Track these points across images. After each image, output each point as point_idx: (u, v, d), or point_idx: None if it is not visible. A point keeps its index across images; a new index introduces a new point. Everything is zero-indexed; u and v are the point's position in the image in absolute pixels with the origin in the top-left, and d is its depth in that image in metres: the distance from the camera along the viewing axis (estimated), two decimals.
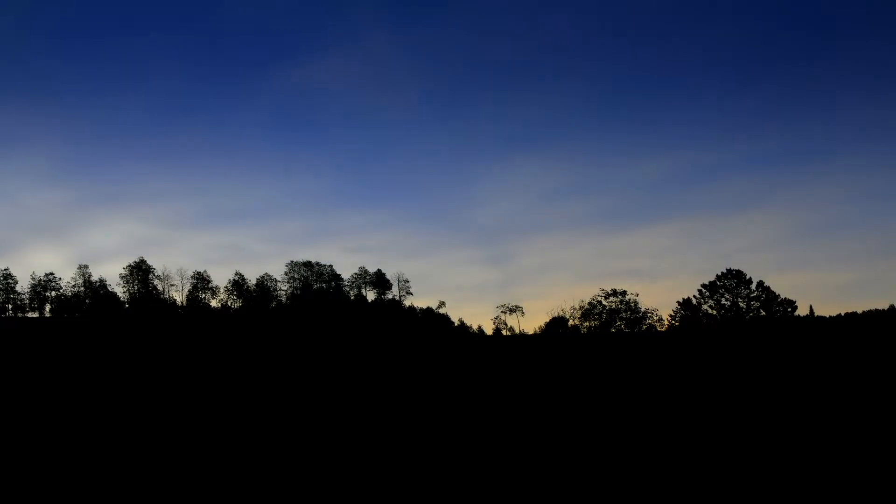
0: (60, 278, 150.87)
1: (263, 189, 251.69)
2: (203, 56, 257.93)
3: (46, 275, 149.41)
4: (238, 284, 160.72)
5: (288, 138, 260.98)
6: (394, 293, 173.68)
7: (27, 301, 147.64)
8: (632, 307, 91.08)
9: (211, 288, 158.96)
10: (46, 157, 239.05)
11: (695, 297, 79.04)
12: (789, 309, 75.83)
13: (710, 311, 77.65)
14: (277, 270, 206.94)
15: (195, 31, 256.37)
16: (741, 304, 76.65)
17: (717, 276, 78.09)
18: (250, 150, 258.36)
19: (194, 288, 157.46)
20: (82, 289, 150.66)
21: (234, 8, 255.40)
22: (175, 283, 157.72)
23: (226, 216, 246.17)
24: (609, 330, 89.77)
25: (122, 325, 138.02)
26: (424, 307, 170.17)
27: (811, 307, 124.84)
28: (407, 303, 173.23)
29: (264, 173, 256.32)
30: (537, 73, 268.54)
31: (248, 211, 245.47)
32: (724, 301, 77.10)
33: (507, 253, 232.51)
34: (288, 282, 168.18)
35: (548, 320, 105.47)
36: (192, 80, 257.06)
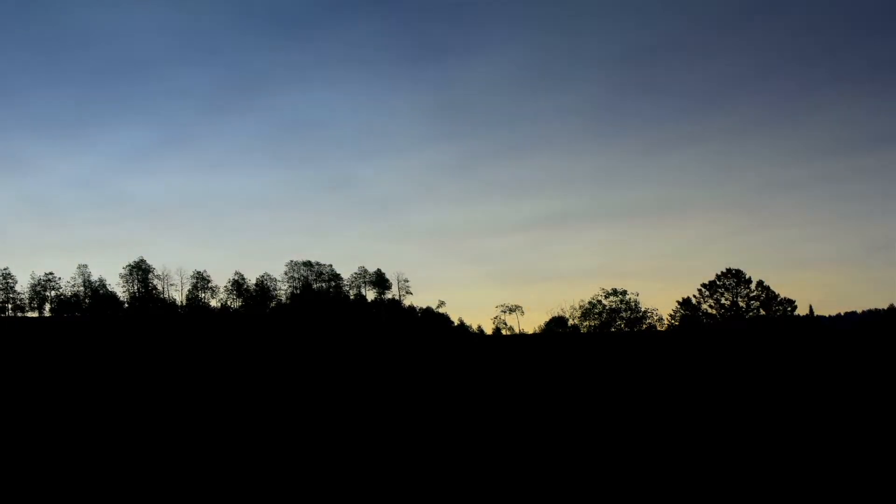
0: (60, 278, 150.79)
1: (264, 188, 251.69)
2: (208, 65, 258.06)
3: (46, 274, 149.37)
4: (238, 284, 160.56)
5: (285, 146, 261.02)
6: (393, 293, 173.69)
7: (27, 301, 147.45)
8: (632, 307, 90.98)
9: (211, 287, 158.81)
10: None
11: (694, 296, 78.98)
12: (789, 308, 75.77)
13: (709, 310, 77.59)
14: (277, 270, 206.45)
15: (201, 42, 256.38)
16: (741, 304, 76.61)
17: (716, 275, 78.02)
18: (252, 149, 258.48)
19: (194, 287, 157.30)
20: (82, 288, 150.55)
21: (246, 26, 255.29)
22: (175, 282, 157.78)
23: (226, 215, 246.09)
24: (609, 329, 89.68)
25: (121, 325, 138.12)
26: (424, 307, 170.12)
27: (811, 307, 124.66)
28: (407, 302, 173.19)
29: (264, 173, 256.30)
30: (540, 75, 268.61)
31: (249, 210, 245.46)
32: (723, 300, 77.04)
33: (507, 252, 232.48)
34: (288, 281, 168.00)
35: (548, 320, 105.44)
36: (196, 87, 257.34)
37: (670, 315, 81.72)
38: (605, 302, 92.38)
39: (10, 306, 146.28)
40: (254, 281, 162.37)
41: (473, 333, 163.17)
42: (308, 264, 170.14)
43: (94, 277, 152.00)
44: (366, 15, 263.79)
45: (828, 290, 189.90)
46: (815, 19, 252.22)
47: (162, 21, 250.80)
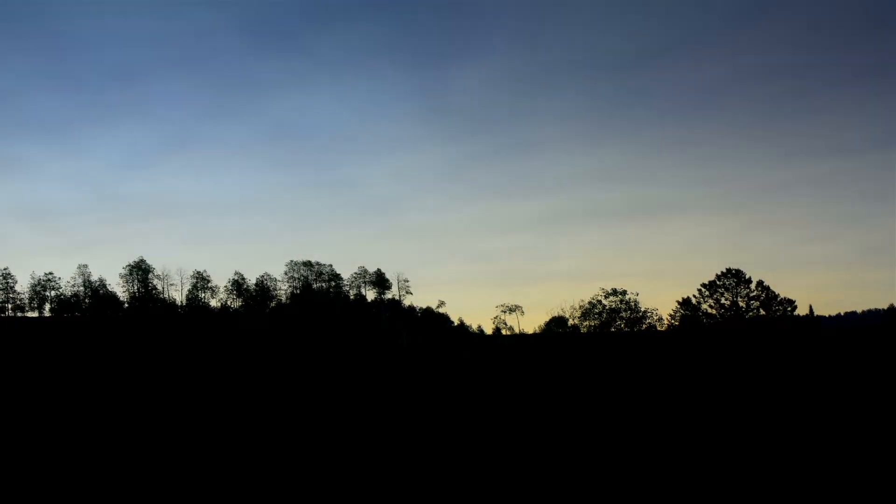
0: (60, 278, 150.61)
1: (264, 188, 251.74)
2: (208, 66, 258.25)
3: (46, 274, 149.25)
4: (238, 284, 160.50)
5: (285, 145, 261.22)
6: (393, 293, 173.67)
7: (27, 301, 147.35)
8: (632, 306, 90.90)
9: (211, 287, 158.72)
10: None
11: (694, 296, 78.95)
12: (789, 308, 75.72)
13: (709, 310, 77.55)
14: (277, 270, 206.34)
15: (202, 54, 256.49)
16: (741, 304, 76.59)
17: (716, 275, 78.00)
18: (253, 151, 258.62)
19: (194, 287, 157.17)
20: (82, 288, 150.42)
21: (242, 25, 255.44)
22: (175, 282, 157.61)
23: (226, 215, 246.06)
24: (609, 329, 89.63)
25: (121, 325, 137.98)
26: (424, 307, 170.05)
27: (811, 306, 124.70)
28: (407, 302, 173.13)
29: (264, 173, 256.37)
30: (543, 78, 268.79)
31: (249, 210, 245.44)
32: (723, 300, 77.01)
33: (507, 252, 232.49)
34: (288, 281, 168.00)
35: (548, 320, 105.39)
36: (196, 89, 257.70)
37: (670, 315, 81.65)
38: (605, 302, 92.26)
39: (9, 306, 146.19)
40: (254, 281, 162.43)
41: (473, 333, 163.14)
42: (308, 264, 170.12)
43: (94, 277, 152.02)
44: (365, 17, 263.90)
45: (828, 290, 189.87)
46: (816, 20, 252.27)
47: (165, 25, 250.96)
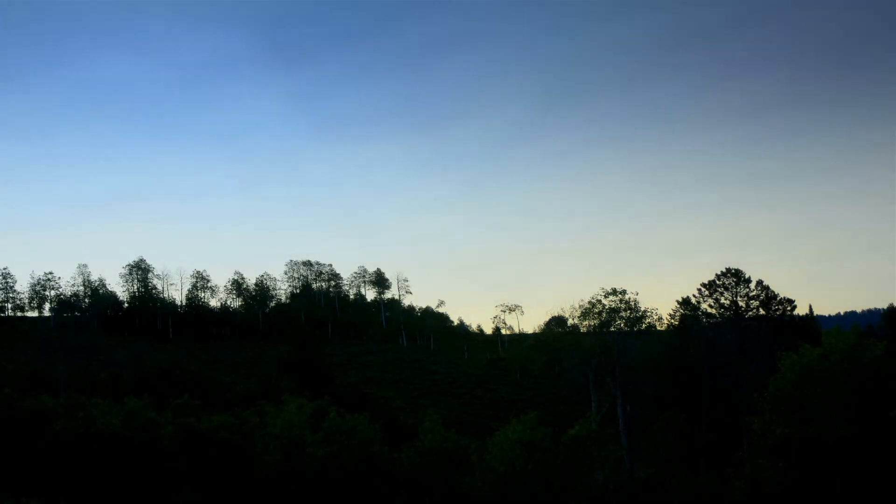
0: (60, 277, 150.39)
1: (265, 189, 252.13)
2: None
3: (46, 274, 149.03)
4: (237, 284, 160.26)
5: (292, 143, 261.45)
6: (393, 292, 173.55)
7: (27, 300, 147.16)
8: (631, 306, 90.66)
9: (210, 287, 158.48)
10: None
11: (694, 296, 78.88)
12: (789, 308, 75.64)
13: (709, 309, 77.44)
14: (277, 270, 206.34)
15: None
16: (740, 303, 76.50)
17: (716, 275, 77.93)
18: (255, 148, 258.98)
19: (194, 287, 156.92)
20: (82, 288, 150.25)
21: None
22: (174, 282, 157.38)
23: (227, 215, 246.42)
24: (608, 329, 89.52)
25: (121, 324, 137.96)
26: (424, 306, 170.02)
27: (811, 306, 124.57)
28: (406, 301, 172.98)
29: (265, 174, 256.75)
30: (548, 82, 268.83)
31: (250, 210, 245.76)
32: (723, 300, 76.91)
33: (506, 253, 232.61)
34: (288, 281, 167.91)
35: (547, 319, 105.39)
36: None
37: (670, 315, 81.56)
38: (604, 301, 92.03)
39: (9, 306, 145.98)
40: (253, 281, 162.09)
41: (473, 333, 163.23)
42: (308, 264, 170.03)
43: (94, 277, 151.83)
44: (364, 38, 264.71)
45: (827, 290, 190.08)
46: (818, 22, 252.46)
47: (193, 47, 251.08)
